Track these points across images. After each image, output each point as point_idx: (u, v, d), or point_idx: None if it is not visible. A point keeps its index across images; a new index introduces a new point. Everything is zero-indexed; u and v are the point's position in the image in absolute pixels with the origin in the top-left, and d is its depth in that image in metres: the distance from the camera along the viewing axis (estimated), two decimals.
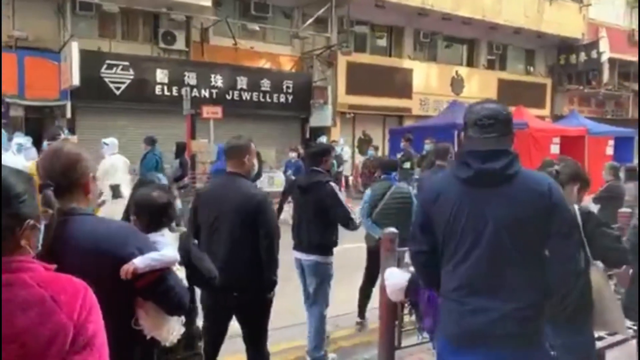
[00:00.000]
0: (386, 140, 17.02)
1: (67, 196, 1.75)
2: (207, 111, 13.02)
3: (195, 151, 12.80)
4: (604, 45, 20.81)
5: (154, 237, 2.05)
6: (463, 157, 2.04)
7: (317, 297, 4.09)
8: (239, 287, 3.08)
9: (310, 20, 15.65)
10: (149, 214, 2.19)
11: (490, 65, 21.11)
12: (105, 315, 1.34)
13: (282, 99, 15.59)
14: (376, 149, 14.72)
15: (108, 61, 13.08)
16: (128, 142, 11.87)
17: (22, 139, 8.26)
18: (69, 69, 11.63)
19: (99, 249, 1.72)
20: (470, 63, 20.69)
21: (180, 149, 10.31)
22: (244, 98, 15.00)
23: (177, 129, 13.05)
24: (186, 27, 14.63)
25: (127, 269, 1.70)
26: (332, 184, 4.05)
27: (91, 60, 12.38)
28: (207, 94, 14.39)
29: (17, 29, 12.43)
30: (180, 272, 2.01)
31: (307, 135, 15.96)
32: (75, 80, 11.52)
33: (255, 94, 15.13)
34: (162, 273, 1.83)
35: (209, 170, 11.35)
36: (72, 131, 5.77)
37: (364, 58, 17.17)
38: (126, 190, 8.38)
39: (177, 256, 1.96)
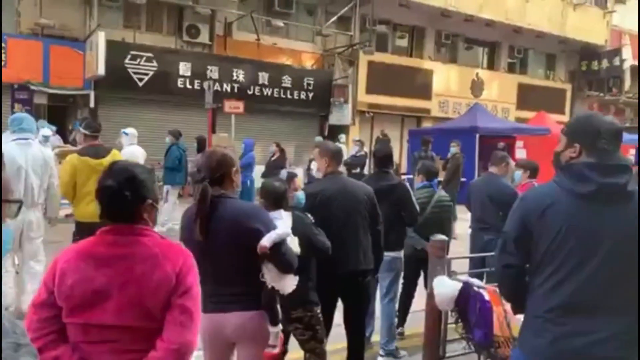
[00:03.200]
0: (404, 141, 16.94)
1: (218, 185, 2.48)
2: (229, 106, 12.99)
3: (215, 145, 12.79)
4: (626, 53, 20.58)
5: (273, 214, 2.72)
6: (580, 170, 1.91)
7: (390, 292, 4.35)
8: (363, 271, 3.50)
9: (333, 18, 15.59)
10: (272, 198, 2.94)
11: (511, 69, 20.94)
12: (242, 268, 2.48)
13: (303, 96, 15.55)
14: (362, 144, 13.23)
15: (132, 52, 13.09)
16: (149, 133, 11.97)
17: (46, 131, 8.33)
18: (95, 58, 11.66)
19: (238, 221, 2.44)
20: (491, 66, 20.52)
21: (202, 144, 10.30)
22: (265, 94, 14.97)
23: (199, 122, 13.06)
24: (210, 21, 14.63)
25: (259, 247, 2.40)
26: (407, 184, 4.36)
27: (115, 51, 12.39)
28: (229, 89, 14.38)
29: (44, 17, 12.46)
30: (294, 241, 2.61)
31: (326, 133, 15.90)
32: (101, 70, 11.56)
33: (276, 90, 15.10)
34: (278, 243, 2.45)
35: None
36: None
37: (385, 57, 17.07)
38: None
39: (289, 231, 2.59)
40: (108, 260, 1.71)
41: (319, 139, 13.80)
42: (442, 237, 3.56)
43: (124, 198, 1.74)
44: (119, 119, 12.51)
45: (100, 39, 11.58)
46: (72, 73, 12.61)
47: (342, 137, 14.37)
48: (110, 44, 11.94)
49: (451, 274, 3.46)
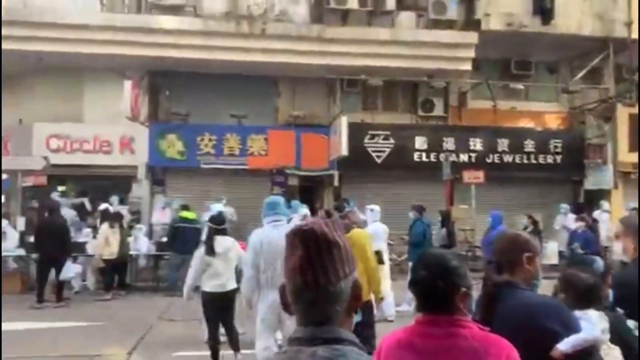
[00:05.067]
0: None
1: (508, 271, 2.14)
2: (469, 176, 12.46)
3: (455, 218, 12.22)
4: None
5: (578, 314, 2.23)
6: None
7: None
8: None
9: (582, 72, 14.06)
10: (576, 292, 2.40)
11: None
12: None
13: (550, 159, 14.07)
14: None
15: (371, 132, 13.73)
16: (388, 208, 12.05)
17: (305, 210, 8.98)
18: (338, 141, 12.49)
19: (529, 317, 2.04)
20: None
21: (446, 218, 9.85)
22: (505, 160, 14.01)
23: (435, 195, 12.75)
24: (444, 93, 14.61)
25: (555, 352, 2.00)
26: None
27: (356, 132, 13.11)
28: (465, 159, 13.87)
29: (297, 109, 14.05)
30: (614, 351, 2.18)
31: (582, 199, 13.94)
32: (344, 151, 12.28)
33: (518, 156, 14.01)
34: (585, 350, 2.03)
35: (481, 240, 10.53)
36: (347, 202, 5.77)
37: None
38: (386, 257, 8.33)
39: (601, 336, 2.13)
40: (428, 352, 1.69)
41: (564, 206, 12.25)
42: None
43: (437, 288, 1.70)
44: (361, 195, 12.99)
45: (343, 122, 12.42)
46: (319, 156, 13.74)
47: (605, 204, 12.35)
48: (351, 126, 12.69)
49: None
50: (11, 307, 8.48)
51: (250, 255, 4.79)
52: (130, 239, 10.87)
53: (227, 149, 13.84)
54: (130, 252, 10.76)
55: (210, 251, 5.60)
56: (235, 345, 5.74)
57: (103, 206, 11.09)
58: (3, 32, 12.32)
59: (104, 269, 10.11)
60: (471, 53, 13.24)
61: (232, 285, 5.70)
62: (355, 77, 13.80)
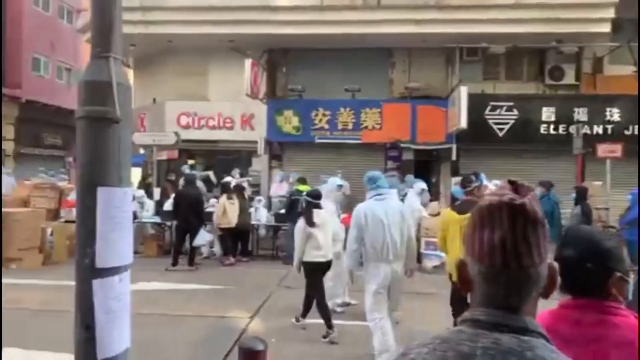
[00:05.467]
0: None
1: None
2: (603, 149, 11.30)
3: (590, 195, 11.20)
4: None
5: None
6: None
7: None
8: None
9: None
10: None
11: None
12: None
13: None
14: None
15: (492, 103, 12.97)
16: None
17: (421, 184, 8.79)
18: (457, 113, 11.96)
19: None
20: None
21: (582, 195, 9.05)
22: None
23: (563, 170, 11.81)
24: (576, 60, 13.30)
25: None
26: None
27: (476, 103, 12.44)
28: (600, 131, 12.61)
29: (412, 81, 13.66)
30: None
31: None
32: (463, 123, 11.73)
33: None
34: None
35: (618, 220, 9.58)
36: (476, 176, 5.49)
37: None
38: None
39: None
40: (574, 341, 1.48)
41: None
42: None
43: (586, 270, 1.52)
44: (479, 170, 12.37)
45: (462, 93, 11.83)
46: (435, 129, 13.29)
47: None
48: (471, 97, 12.06)
49: None
50: (149, 269, 9.36)
51: (354, 229, 4.84)
52: (251, 210, 11.43)
53: (341, 124, 13.91)
54: (252, 222, 11.32)
55: (310, 223, 5.88)
56: (307, 308, 6.09)
57: (227, 179, 11.73)
58: (137, 18, 13.39)
59: (223, 236, 10.79)
60: (610, 13, 11.88)
61: (330, 255, 6.01)
62: (476, 45, 13.04)
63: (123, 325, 2.27)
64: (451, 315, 5.30)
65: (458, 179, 6.35)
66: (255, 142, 14.23)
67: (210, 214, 10.84)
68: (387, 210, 4.80)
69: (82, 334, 2.16)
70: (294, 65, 14.93)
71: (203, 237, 10.14)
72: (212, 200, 11.65)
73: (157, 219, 11.60)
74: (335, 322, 5.91)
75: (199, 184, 12.02)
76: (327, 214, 6.13)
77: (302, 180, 11.29)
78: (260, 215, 11.62)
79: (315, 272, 5.96)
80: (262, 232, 11.95)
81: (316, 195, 6.19)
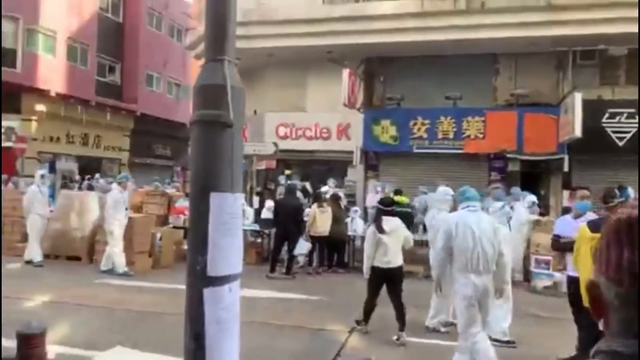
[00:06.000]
0: None
1: None
2: None
3: None
4: None
5: None
6: None
7: None
8: None
9: None
10: None
11: None
12: None
13: None
14: None
15: (610, 110, 11.89)
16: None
17: (530, 197, 8.18)
18: (571, 120, 11.06)
19: None
20: None
21: None
22: None
23: None
24: None
25: None
26: None
27: (592, 110, 11.47)
28: None
29: (519, 88, 12.88)
30: None
31: None
32: (578, 132, 10.83)
33: None
34: None
35: None
36: (621, 190, 5.07)
37: None
38: None
39: None
40: None
41: None
42: None
43: None
44: (595, 182, 11.34)
45: (577, 99, 10.94)
46: (545, 138, 12.40)
47: None
48: (586, 104, 11.13)
49: None
50: (248, 276, 9.52)
51: (442, 238, 4.88)
52: (347, 220, 11.31)
53: (441, 133, 13.44)
54: (348, 233, 11.20)
55: (380, 229, 6.09)
56: (402, 320, 6.02)
57: (323, 189, 11.72)
58: (241, 32, 13.88)
59: (312, 245, 10.78)
60: None
61: (399, 262, 6.15)
62: (591, 47, 12.03)
63: (233, 337, 2.20)
64: (577, 340, 4.83)
65: (582, 192, 5.78)
66: (351, 152, 14.16)
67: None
68: (479, 221, 4.82)
69: (191, 343, 2.11)
70: (392, 74, 14.71)
71: (303, 247, 10.18)
72: (307, 210, 11.70)
73: (256, 227, 11.85)
74: (435, 342, 5.58)
75: (298, 194, 12.15)
76: (397, 221, 6.31)
77: (397, 192, 11.00)
78: (357, 226, 11.47)
79: (382, 277, 6.13)
80: (358, 243, 11.77)
81: (388, 204, 6.48)
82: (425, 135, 13.59)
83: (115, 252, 9.55)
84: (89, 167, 21.86)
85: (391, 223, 6.18)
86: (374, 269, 6.11)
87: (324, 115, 14.94)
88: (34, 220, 10.25)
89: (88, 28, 22.28)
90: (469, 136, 13.18)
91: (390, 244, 6.05)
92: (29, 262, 10.12)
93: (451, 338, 6.25)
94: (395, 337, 5.98)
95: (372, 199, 12.86)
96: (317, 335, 6.33)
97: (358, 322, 6.36)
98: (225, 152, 2.08)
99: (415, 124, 13.66)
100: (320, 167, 15.81)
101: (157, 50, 26.28)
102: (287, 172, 15.78)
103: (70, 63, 21.48)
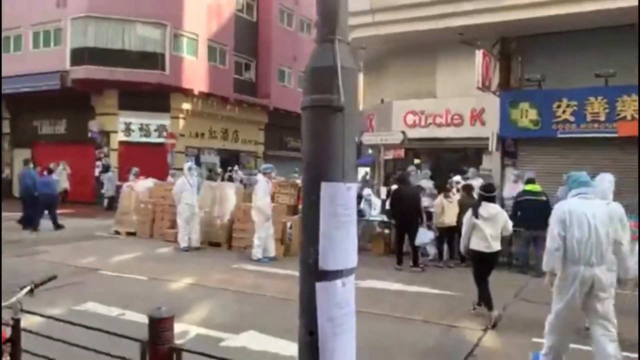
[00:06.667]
0: None
1: None
2: None
3: None
4: None
5: None
6: None
7: None
8: None
9: None
10: None
11: None
12: None
13: None
14: None
15: None
16: None
17: None
18: None
19: None
20: None
21: None
22: None
23: None
24: None
25: None
26: None
27: None
28: None
29: None
30: None
31: None
32: None
33: None
34: None
35: None
36: None
37: None
38: None
39: None
40: None
41: None
42: None
43: None
44: None
45: None
46: None
47: None
48: None
49: None
50: (376, 267, 9.44)
51: (556, 227, 4.54)
52: None
53: (590, 115, 12.06)
54: None
55: (476, 215, 6.38)
56: (486, 300, 6.35)
57: (455, 178, 11.15)
58: (368, 20, 13.76)
59: (440, 237, 10.27)
60: None
61: (495, 247, 6.38)
62: None
63: (347, 333, 2.06)
64: None
65: None
66: (486, 138, 13.32)
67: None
68: (593, 209, 4.47)
69: (305, 337, 2.02)
70: (530, 53, 13.53)
71: (424, 236, 9.79)
72: (428, 201, 11.24)
73: (384, 218, 11.69)
74: (576, 346, 4.95)
75: (427, 183, 11.76)
76: (497, 208, 6.52)
77: (530, 180, 10.08)
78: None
79: (479, 261, 6.48)
80: None
81: (488, 190, 6.65)
82: (571, 119, 12.29)
83: (258, 239, 10.03)
84: (229, 160, 23.43)
85: (490, 209, 6.43)
86: (471, 252, 6.49)
87: (456, 100, 14.25)
88: (183, 209, 11.17)
89: (226, 29, 23.77)
90: (624, 118, 11.64)
91: (486, 229, 6.31)
92: (186, 250, 11.02)
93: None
94: (472, 309, 6.64)
95: (511, 189, 11.94)
96: (448, 331, 6.00)
97: (476, 305, 6.66)
98: (335, 138, 1.94)
99: (559, 106, 12.41)
100: (451, 156, 15.14)
101: (288, 45, 27.23)
102: (417, 161, 15.36)
103: (210, 63, 23.11)
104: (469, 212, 6.54)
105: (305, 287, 2.02)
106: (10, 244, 10.86)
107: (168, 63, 20.88)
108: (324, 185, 1.93)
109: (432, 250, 10.56)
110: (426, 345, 5.55)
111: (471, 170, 12.66)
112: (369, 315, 6.48)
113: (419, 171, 13.27)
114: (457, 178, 11.02)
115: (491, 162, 13.80)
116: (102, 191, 19.54)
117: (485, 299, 6.38)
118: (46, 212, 13.66)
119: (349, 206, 1.99)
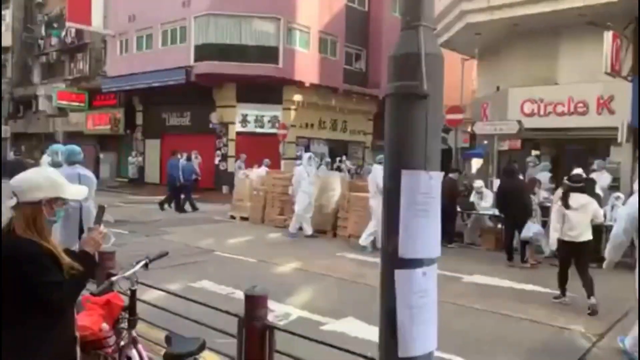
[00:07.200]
0: None
1: None
2: None
3: None
4: None
5: None
6: None
7: None
8: None
9: None
10: None
11: None
12: None
13: None
14: None
15: None
16: None
17: None
18: None
19: None
20: None
21: None
22: None
23: None
24: None
25: None
26: None
27: None
28: None
29: None
30: None
31: None
32: None
33: None
34: None
35: None
36: None
37: None
38: None
39: None
40: None
41: None
42: None
43: None
44: None
45: None
46: None
47: None
48: None
49: None
50: (486, 263, 9.09)
51: (623, 221, 4.63)
52: (605, 208, 9.75)
53: None
54: (605, 223, 9.65)
55: (565, 205, 6.37)
56: (589, 289, 6.27)
57: (576, 171, 10.28)
58: (483, 5, 13.13)
59: None
60: None
61: (587, 236, 6.36)
62: None
63: (428, 325, 2.04)
64: None
65: None
66: (615, 128, 12.13)
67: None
68: None
69: (384, 324, 2.04)
70: None
71: (529, 230, 9.16)
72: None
73: (495, 211, 11.17)
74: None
75: (544, 175, 11.04)
76: (586, 198, 6.45)
77: None
78: (618, 215, 9.77)
79: (568, 250, 6.44)
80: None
81: (577, 180, 6.59)
82: None
83: (370, 227, 10.09)
84: (337, 150, 23.78)
85: (580, 199, 6.40)
86: (561, 242, 6.45)
87: (580, 87, 13.16)
88: (301, 197, 11.54)
89: (336, 20, 24.02)
90: None
91: (575, 219, 6.31)
92: (310, 236, 11.37)
93: None
94: (588, 311, 6.23)
95: None
96: (558, 334, 5.63)
97: (556, 297, 6.70)
98: (418, 126, 1.92)
99: None
100: (575, 147, 14.03)
101: (399, 35, 26.81)
102: (536, 152, 14.44)
103: (321, 55, 23.53)
104: (558, 204, 6.55)
105: (385, 274, 2.04)
106: (142, 225, 12.14)
107: (281, 56, 21.62)
108: (404, 173, 1.93)
109: (547, 249, 9.89)
110: (532, 345, 5.26)
111: (597, 162, 11.65)
112: (474, 311, 6.30)
113: (537, 163, 12.51)
114: (578, 171, 10.18)
115: (621, 154, 12.56)
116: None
117: (584, 284, 6.34)
118: (182, 196, 15.23)
119: (432, 195, 1.96)
